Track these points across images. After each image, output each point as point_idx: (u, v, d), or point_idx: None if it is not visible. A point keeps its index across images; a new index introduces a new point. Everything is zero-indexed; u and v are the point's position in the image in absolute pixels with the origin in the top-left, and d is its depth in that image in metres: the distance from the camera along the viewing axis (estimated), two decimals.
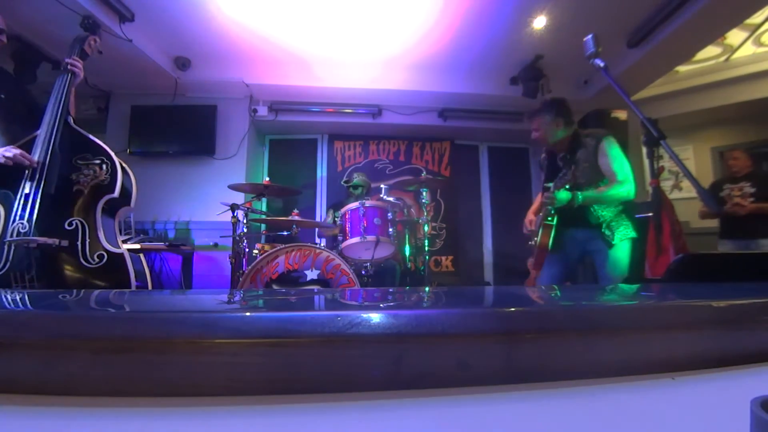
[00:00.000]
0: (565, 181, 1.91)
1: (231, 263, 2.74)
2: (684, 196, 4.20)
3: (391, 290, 1.07)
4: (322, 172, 4.55)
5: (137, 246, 1.45)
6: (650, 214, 2.12)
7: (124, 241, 1.46)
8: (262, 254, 2.34)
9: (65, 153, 1.46)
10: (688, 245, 1.54)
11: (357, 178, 3.42)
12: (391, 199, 2.86)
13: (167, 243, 3.41)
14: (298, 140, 4.61)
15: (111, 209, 1.48)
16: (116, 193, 1.44)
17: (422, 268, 3.06)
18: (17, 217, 1.30)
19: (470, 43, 3.44)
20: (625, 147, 3.79)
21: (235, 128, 3.99)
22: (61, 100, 1.51)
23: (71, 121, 1.53)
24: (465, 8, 3.03)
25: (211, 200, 3.33)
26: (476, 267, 4.66)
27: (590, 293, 0.67)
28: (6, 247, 1.27)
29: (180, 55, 3.61)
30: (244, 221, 2.92)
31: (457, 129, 4.46)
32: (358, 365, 0.30)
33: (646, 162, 1.58)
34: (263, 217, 3.15)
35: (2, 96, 1.59)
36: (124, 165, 1.54)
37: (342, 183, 3.64)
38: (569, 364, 0.33)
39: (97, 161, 1.47)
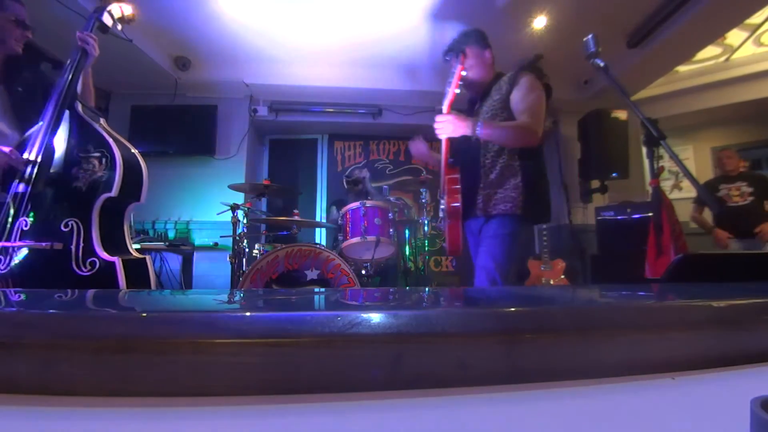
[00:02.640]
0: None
1: (231, 263, 2.74)
2: (684, 196, 4.20)
3: (391, 290, 1.07)
4: (322, 172, 4.56)
5: (138, 255, 1.27)
6: (650, 215, 2.11)
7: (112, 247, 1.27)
8: (262, 254, 2.34)
9: (69, 144, 1.29)
10: (688, 245, 1.54)
11: (357, 174, 3.42)
12: (391, 199, 2.87)
13: (167, 243, 3.42)
14: (298, 140, 4.61)
15: (113, 209, 1.31)
16: (114, 192, 1.25)
17: (422, 268, 3.07)
18: (12, 217, 1.20)
19: None
20: (625, 147, 3.82)
21: (235, 128, 3.99)
22: (67, 83, 1.32)
23: (79, 107, 1.34)
24: (465, 8, 3.03)
25: (211, 200, 3.33)
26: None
27: (590, 293, 0.67)
28: (3, 249, 1.18)
29: (180, 55, 3.61)
30: (245, 221, 2.92)
31: None
32: (358, 365, 0.30)
33: (646, 162, 1.57)
34: (263, 217, 3.15)
35: (19, 89, 1.49)
36: (136, 155, 1.35)
37: (345, 182, 3.63)
38: (569, 364, 0.33)
39: (97, 154, 1.28)
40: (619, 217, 3.59)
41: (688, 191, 4.30)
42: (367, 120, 4.33)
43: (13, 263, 1.18)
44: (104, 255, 1.22)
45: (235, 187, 2.88)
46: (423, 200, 2.85)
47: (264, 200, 3.78)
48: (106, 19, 1.53)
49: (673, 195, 4.44)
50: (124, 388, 0.28)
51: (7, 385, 0.28)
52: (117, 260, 1.22)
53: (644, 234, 1.54)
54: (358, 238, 2.45)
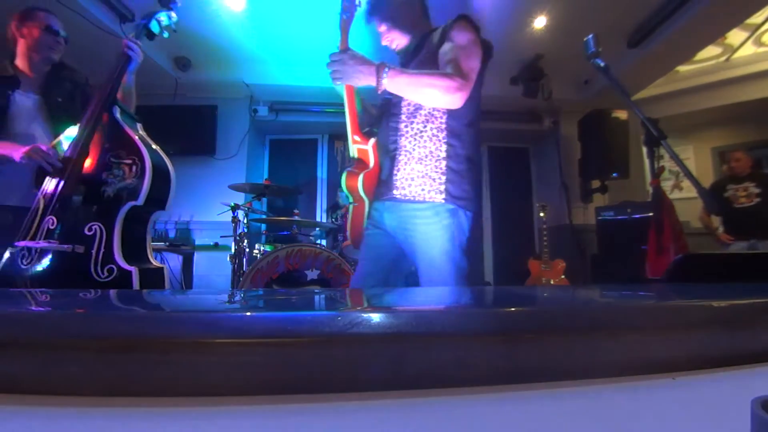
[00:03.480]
0: None
1: (231, 263, 2.75)
2: (685, 196, 4.19)
3: (391, 290, 1.07)
4: (322, 172, 4.55)
5: (157, 264, 1.33)
6: (650, 215, 2.10)
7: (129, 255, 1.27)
8: (262, 254, 2.35)
9: (103, 148, 1.30)
10: (688, 245, 1.53)
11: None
12: None
13: (167, 243, 3.42)
14: (298, 140, 4.61)
15: (138, 217, 1.31)
16: (140, 201, 1.25)
17: None
18: (40, 217, 1.22)
19: None
20: (625, 147, 3.82)
21: (235, 128, 3.99)
22: (109, 88, 1.35)
23: (117, 112, 1.36)
24: (464, 8, 3.03)
25: (211, 200, 3.33)
26: (476, 267, 4.66)
27: (590, 293, 0.67)
28: (27, 248, 1.19)
29: (180, 55, 3.61)
30: (245, 221, 2.92)
31: None
32: (358, 365, 0.30)
33: (647, 162, 1.56)
34: (264, 217, 3.15)
35: (59, 99, 1.54)
36: (167, 162, 1.36)
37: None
38: (569, 364, 0.33)
39: (129, 161, 1.28)
40: (619, 217, 3.59)
41: (689, 191, 4.29)
42: None
43: (35, 263, 1.19)
44: (122, 263, 1.21)
45: (235, 187, 2.88)
46: None
47: (264, 200, 3.78)
48: (154, 27, 1.59)
49: (674, 195, 4.43)
50: (125, 387, 0.28)
51: (8, 384, 0.28)
52: (134, 270, 1.22)
53: (644, 234, 1.54)
54: None
